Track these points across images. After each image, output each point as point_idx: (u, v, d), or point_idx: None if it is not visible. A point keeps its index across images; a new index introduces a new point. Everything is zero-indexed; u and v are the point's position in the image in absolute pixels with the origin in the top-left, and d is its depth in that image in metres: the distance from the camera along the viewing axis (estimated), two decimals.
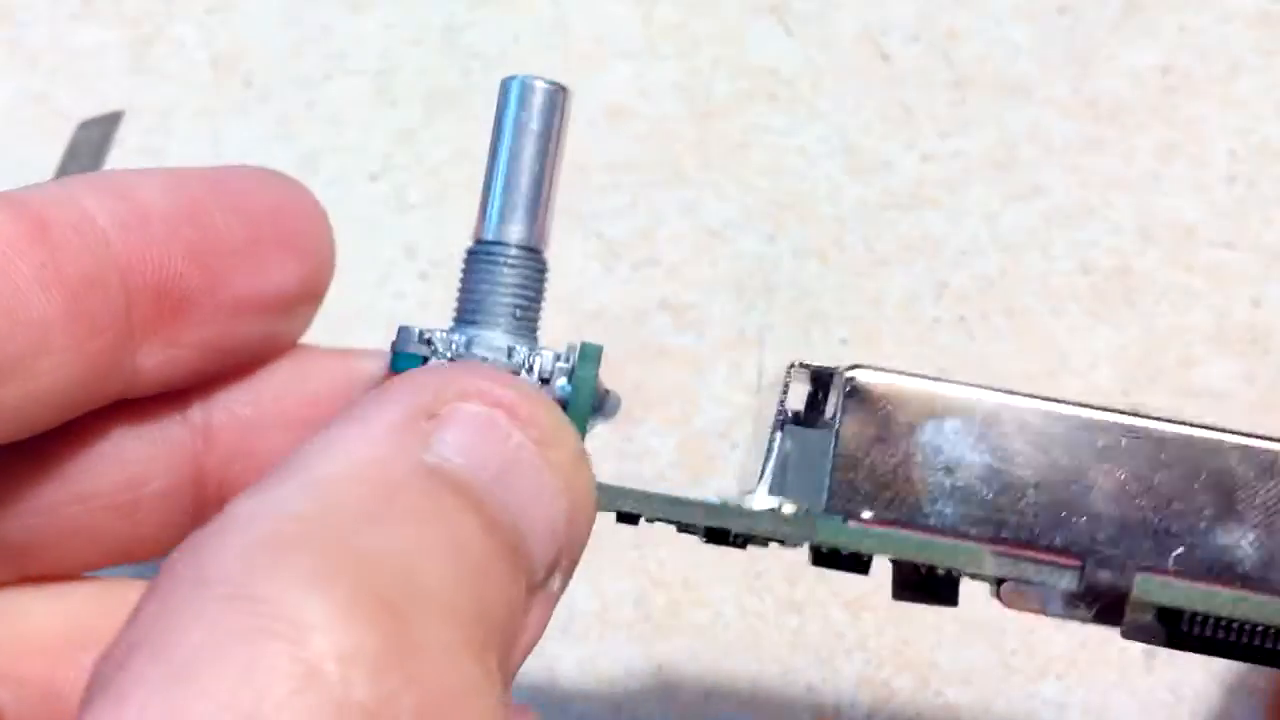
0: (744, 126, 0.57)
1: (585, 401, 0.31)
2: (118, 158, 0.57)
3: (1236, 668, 0.52)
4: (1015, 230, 0.56)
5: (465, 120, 0.56)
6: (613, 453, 0.53)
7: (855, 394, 0.31)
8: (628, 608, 0.54)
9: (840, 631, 0.53)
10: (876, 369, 0.32)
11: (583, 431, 0.31)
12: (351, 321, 0.56)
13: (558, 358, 0.32)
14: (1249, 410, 0.54)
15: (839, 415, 0.31)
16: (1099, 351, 0.55)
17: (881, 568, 0.33)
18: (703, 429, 0.55)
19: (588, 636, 0.54)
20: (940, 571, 0.32)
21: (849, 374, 0.32)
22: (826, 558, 0.32)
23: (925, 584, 0.32)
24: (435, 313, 0.55)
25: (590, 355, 0.32)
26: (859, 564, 0.32)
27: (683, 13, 0.57)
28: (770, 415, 0.34)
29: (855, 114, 0.57)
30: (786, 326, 0.55)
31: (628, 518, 0.32)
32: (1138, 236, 0.56)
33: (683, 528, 0.33)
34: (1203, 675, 0.51)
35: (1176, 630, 0.33)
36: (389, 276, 0.56)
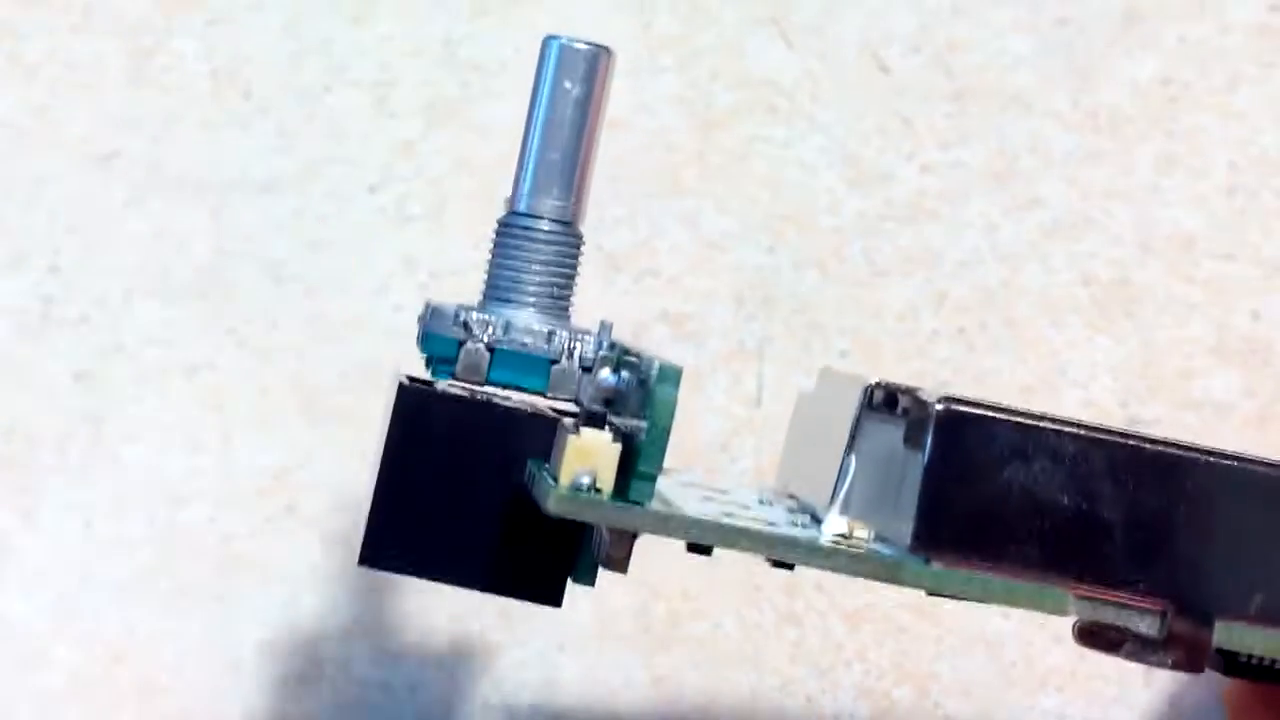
0: (743, 138, 0.57)
1: (663, 430, 0.30)
2: (116, 169, 0.56)
3: (1237, 682, 0.51)
4: (1015, 242, 0.56)
5: (465, 132, 0.56)
6: None
7: (948, 427, 0.30)
8: (627, 619, 0.54)
9: (840, 643, 0.53)
10: (969, 401, 0.30)
11: (657, 468, 0.30)
12: (350, 333, 0.56)
13: (600, 344, 0.31)
14: (1249, 423, 0.54)
15: (928, 449, 0.30)
16: (1098, 363, 0.55)
17: None
18: (703, 440, 0.55)
19: (587, 648, 0.54)
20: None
21: (941, 405, 0.30)
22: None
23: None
24: None
25: (670, 377, 0.30)
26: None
27: (682, 24, 0.57)
28: (831, 428, 0.32)
29: (855, 125, 0.57)
30: (786, 338, 0.55)
31: (699, 548, 0.30)
32: (1138, 248, 0.56)
33: (777, 563, 0.31)
34: (1203, 690, 0.51)
35: (1234, 660, 0.33)
36: (388, 288, 0.56)
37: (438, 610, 0.54)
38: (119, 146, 0.57)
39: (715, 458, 0.54)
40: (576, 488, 0.29)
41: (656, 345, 0.55)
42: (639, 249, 0.56)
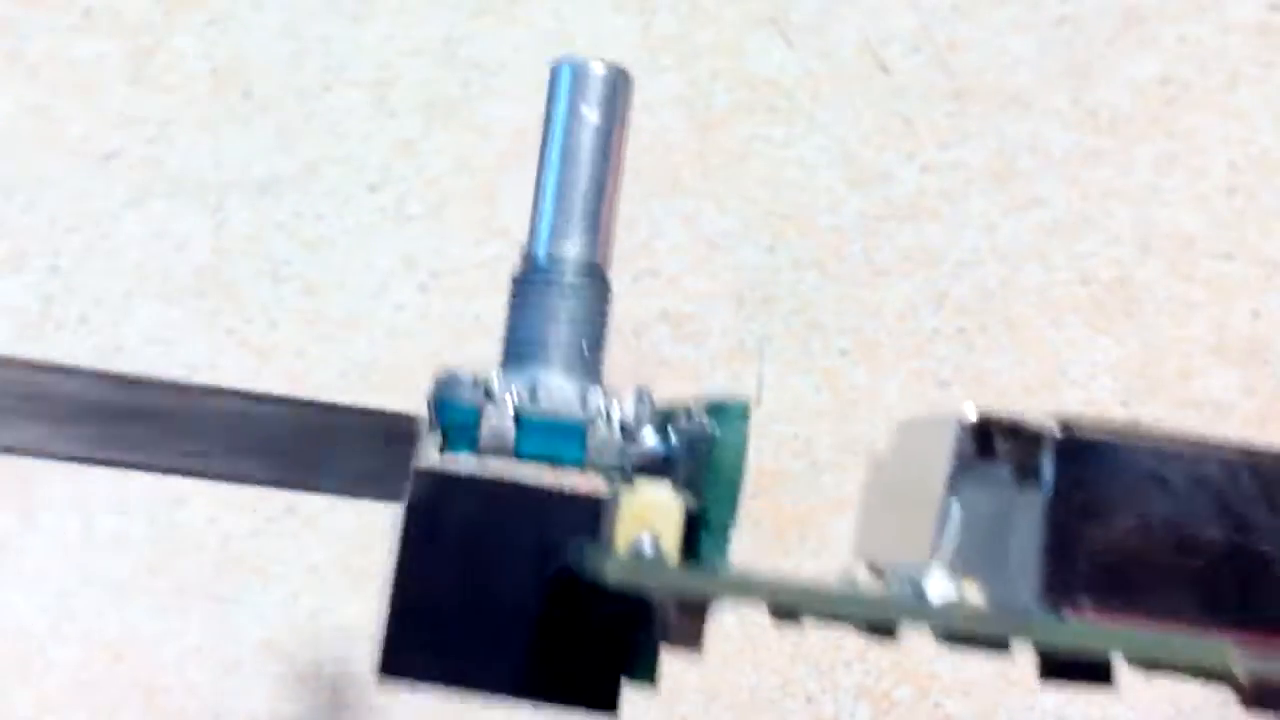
0: (744, 138, 0.57)
1: (736, 474, 0.26)
2: (116, 168, 0.56)
3: None
4: (1015, 241, 0.56)
5: (465, 131, 0.56)
6: None
7: (1071, 455, 0.25)
8: None
9: (840, 643, 0.53)
10: (1094, 425, 0.26)
11: (732, 519, 0.26)
12: (349, 332, 0.55)
13: (640, 400, 0.27)
14: (1249, 423, 0.54)
15: (1050, 485, 0.25)
16: (1098, 363, 0.55)
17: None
18: None
19: None
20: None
21: (1061, 433, 0.26)
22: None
23: (1078, 666, 0.27)
24: (435, 325, 0.55)
25: (736, 413, 0.26)
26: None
27: (682, 24, 0.57)
28: (918, 483, 0.28)
29: (855, 125, 0.57)
30: (786, 337, 0.55)
31: (785, 612, 0.26)
32: (1137, 248, 0.56)
33: (873, 633, 0.27)
34: (1203, 690, 0.51)
35: None
36: (388, 287, 0.56)
37: None
38: (119, 146, 0.57)
39: None
40: (638, 553, 0.25)
41: (657, 345, 0.55)
42: (639, 249, 0.56)
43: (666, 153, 0.57)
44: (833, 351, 0.55)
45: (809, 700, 0.53)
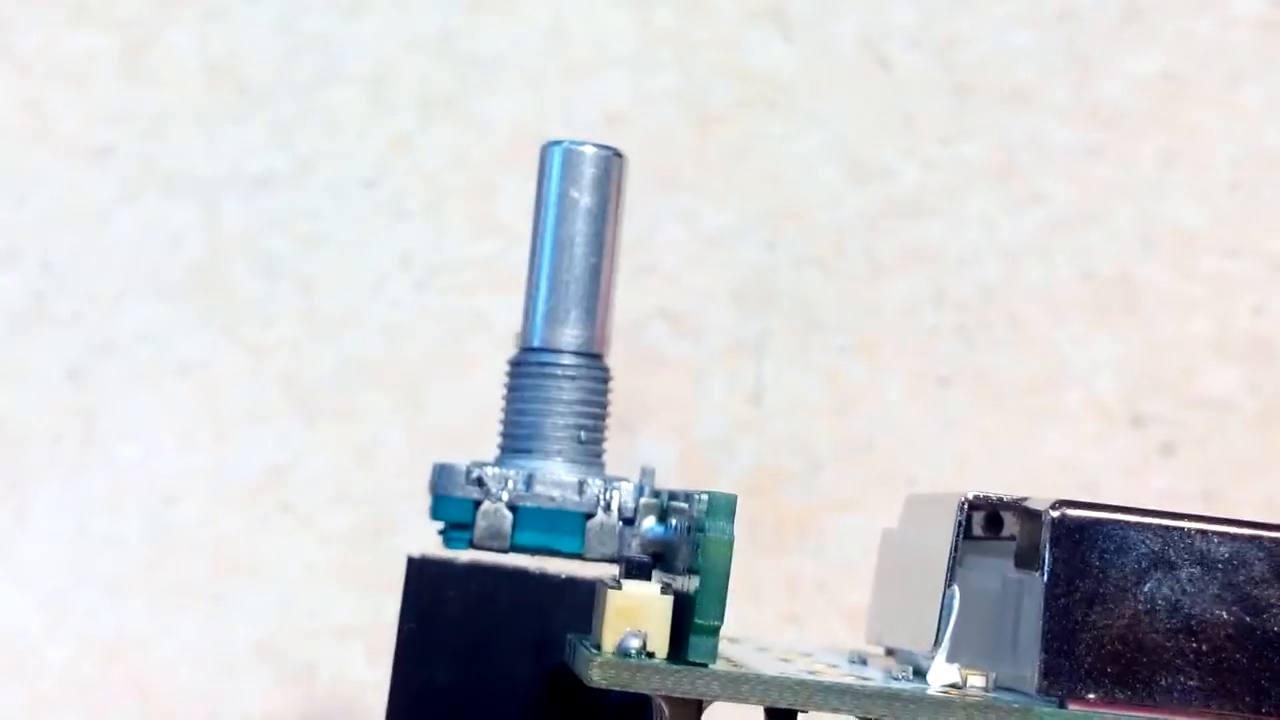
0: (742, 133, 0.56)
1: (722, 573, 0.25)
2: (109, 164, 0.56)
3: None
4: (1015, 238, 0.55)
5: (462, 127, 0.56)
6: (611, 463, 0.53)
7: (1069, 539, 0.25)
8: None
9: (841, 643, 0.53)
10: (1087, 505, 0.25)
11: (718, 619, 0.25)
12: (346, 330, 0.55)
13: (641, 491, 0.27)
14: (1252, 421, 0.53)
15: (1048, 569, 0.25)
16: (1100, 360, 0.54)
17: None
18: (702, 438, 0.54)
19: None
20: None
21: (1056, 511, 0.25)
22: None
23: None
24: (431, 322, 0.54)
25: (722, 508, 0.25)
26: None
27: (680, 19, 0.57)
28: (925, 564, 0.27)
29: (854, 121, 0.56)
30: (785, 335, 0.55)
31: (781, 715, 0.25)
32: (1139, 244, 0.55)
33: None
34: None
35: None
36: (384, 284, 0.55)
37: None
38: (112, 142, 0.56)
39: (715, 454, 0.54)
40: (624, 652, 0.24)
41: (655, 342, 0.55)
42: (636, 246, 0.56)
43: (664, 149, 0.56)
44: (832, 348, 0.55)
45: None
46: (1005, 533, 0.27)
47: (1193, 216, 0.55)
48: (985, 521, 0.27)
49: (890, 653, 0.31)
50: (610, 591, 0.25)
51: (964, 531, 0.27)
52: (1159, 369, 0.54)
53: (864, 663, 0.30)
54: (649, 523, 0.26)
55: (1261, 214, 0.55)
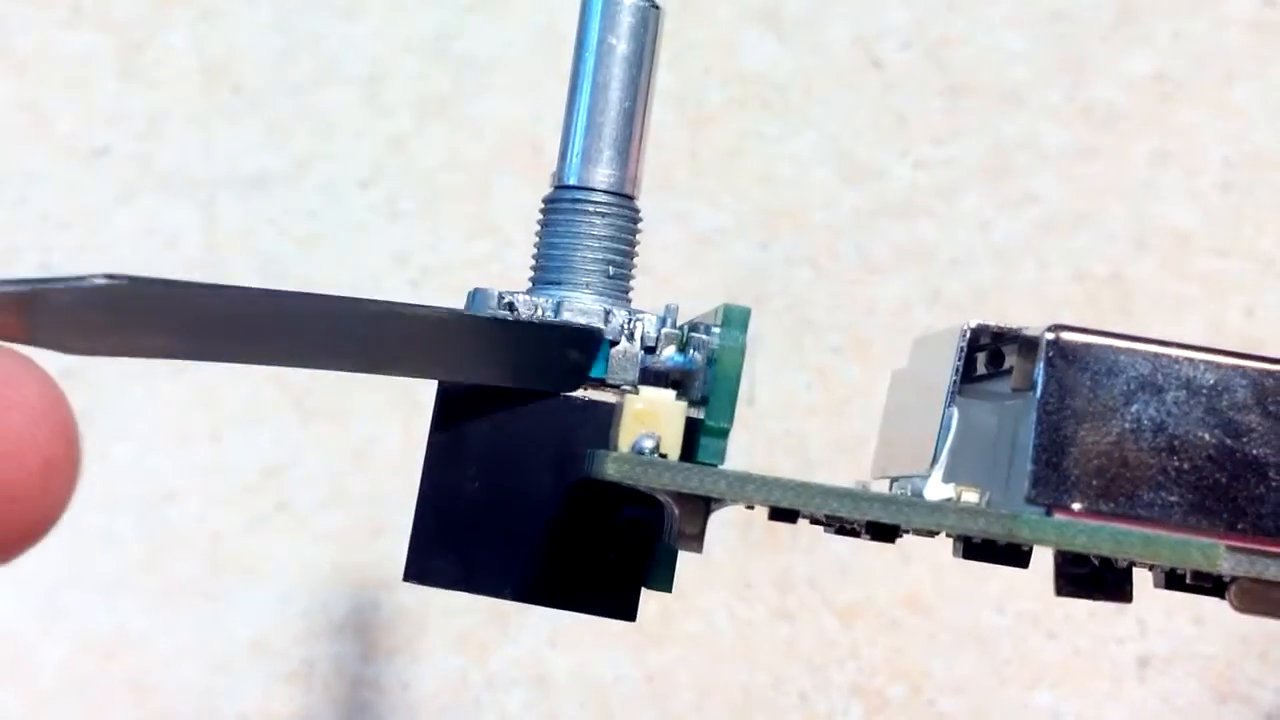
0: (736, 134, 0.56)
1: (733, 377, 0.26)
2: (106, 165, 0.56)
3: (1229, 677, 0.51)
4: (1009, 238, 0.56)
5: (457, 127, 0.56)
6: None
7: (1062, 360, 0.26)
8: None
9: (833, 640, 0.53)
10: (1082, 329, 0.27)
11: (728, 422, 0.27)
12: None
13: (663, 322, 0.28)
14: None
15: (1041, 386, 0.26)
16: None
17: (1042, 559, 0.28)
18: None
19: (579, 645, 0.54)
20: (1121, 564, 0.27)
21: (1051, 334, 0.26)
22: (979, 549, 0.27)
23: (1095, 577, 0.28)
24: None
25: (736, 319, 0.27)
26: (1017, 556, 0.27)
27: (674, 20, 0.57)
28: (928, 394, 0.28)
29: (848, 121, 0.56)
30: (779, 334, 0.55)
31: (783, 514, 0.27)
32: (1132, 244, 0.55)
33: (842, 529, 0.28)
34: (1195, 685, 0.51)
35: None
36: (379, 284, 0.56)
37: (429, 607, 0.54)
38: (109, 142, 0.56)
39: None
40: (638, 450, 0.26)
41: None
42: None
43: (658, 149, 0.56)
44: (825, 348, 0.55)
45: (802, 698, 0.53)
46: (1005, 366, 0.28)
47: (1185, 217, 0.56)
48: (988, 359, 0.28)
49: (893, 481, 0.33)
50: (628, 396, 0.26)
51: (966, 367, 0.28)
52: None
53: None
54: (669, 351, 0.28)
55: (1253, 214, 0.56)
